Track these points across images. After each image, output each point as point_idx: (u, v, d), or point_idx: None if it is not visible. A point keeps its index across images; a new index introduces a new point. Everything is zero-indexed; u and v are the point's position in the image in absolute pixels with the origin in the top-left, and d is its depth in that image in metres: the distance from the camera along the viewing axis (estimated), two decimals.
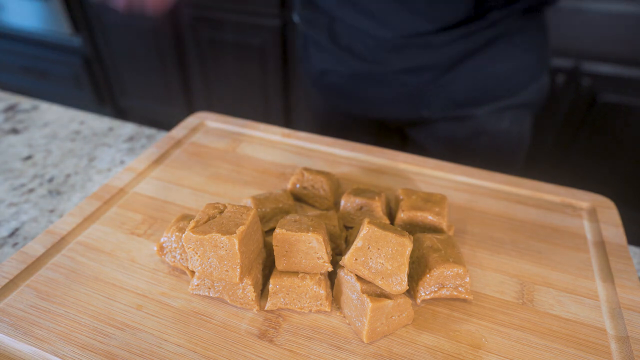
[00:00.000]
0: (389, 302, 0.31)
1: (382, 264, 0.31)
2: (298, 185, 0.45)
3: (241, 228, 0.32)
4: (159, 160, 0.53)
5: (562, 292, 0.38)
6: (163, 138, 0.56)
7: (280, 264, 0.34)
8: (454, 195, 0.48)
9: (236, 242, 0.31)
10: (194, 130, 0.59)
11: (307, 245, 0.33)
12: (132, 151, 0.63)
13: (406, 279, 0.31)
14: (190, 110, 1.74)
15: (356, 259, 0.31)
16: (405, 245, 0.31)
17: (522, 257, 0.41)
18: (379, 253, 0.31)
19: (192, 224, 0.33)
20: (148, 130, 0.68)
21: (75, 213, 0.44)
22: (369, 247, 0.31)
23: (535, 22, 0.63)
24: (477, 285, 0.38)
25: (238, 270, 0.32)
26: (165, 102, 1.80)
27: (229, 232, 0.32)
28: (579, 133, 1.22)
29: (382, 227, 0.32)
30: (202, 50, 1.57)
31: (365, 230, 0.31)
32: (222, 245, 0.32)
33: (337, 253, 0.39)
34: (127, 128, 0.69)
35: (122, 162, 0.61)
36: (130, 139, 0.66)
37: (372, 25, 0.60)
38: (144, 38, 1.63)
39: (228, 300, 0.35)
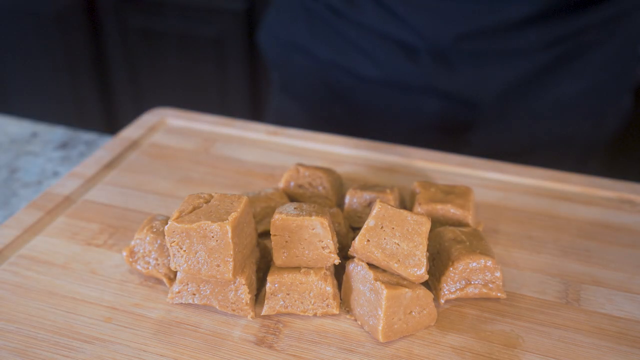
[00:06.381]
0: (406, 291, 0.41)
1: (398, 244, 0.42)
2: (292, 184, 0.57)
3: (234, 214, 0.43)
4: (111, 165, 0.64)
5: (614, 290, 0.49)
6: (114, 140, 0.67)
7: (279, 258, 0.45)
8: (484, 194, 0.60)
9: (229, 229, 0.42)
10: (152, 129, 0.70)
11: (310, 232, 0.44)
12: (67, 160, 0.74)
13: (425, 261, 0.41)
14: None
15: (368, 240, 0.42)
16: (422, 223, 0.42)
17: (566, 256, 0.52)
18: (393, 232, 0.42)
19: (175, 214, 0.44)
20: (86, 135, 0.79)
21: (11, 224, 0.54)
22: (382, 227, 0.42)
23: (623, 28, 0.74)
24: (512, 285, 0.49)
25: (231, 263, 0.43)
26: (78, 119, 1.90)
27: (220, 219, 0.42)
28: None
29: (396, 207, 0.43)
30: (131, 44, 1.68)
31: (378, 208, 0.42)
32: (212, 234, 0.42)
33: (343, 256, 0.50)
34: (57, 133, 0.80)
35: (55, 174, 0.71)
36: (63, 145, 0.77)
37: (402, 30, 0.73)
38: (39, 30, 1.72)
39: (217, 307, 0.45)
